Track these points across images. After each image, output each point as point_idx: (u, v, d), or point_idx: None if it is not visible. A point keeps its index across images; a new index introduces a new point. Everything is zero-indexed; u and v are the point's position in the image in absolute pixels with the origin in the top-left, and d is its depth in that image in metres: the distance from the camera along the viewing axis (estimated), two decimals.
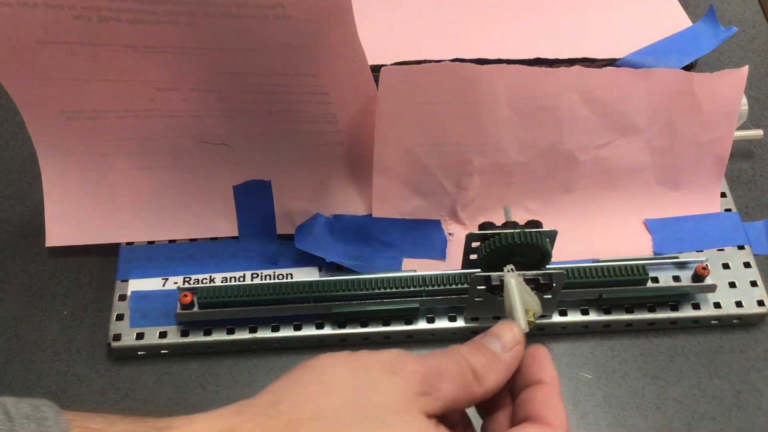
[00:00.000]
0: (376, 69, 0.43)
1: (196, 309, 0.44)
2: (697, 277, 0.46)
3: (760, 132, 0.53)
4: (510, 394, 0.33)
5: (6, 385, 0.45)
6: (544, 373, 0.32)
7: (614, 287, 0.45)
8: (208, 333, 0.45)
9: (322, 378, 0.30)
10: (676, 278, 0.46)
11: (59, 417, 0.27)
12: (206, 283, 0.48)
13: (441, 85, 0.44)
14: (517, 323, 0.35)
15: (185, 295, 0.44)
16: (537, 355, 0.33)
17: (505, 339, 0.33)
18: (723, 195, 0.51)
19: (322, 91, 0.43)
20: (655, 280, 0.46)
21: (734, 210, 0.51)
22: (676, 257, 0.47)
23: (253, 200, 0.49)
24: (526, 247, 0.42)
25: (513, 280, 0.38)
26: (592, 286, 0.45)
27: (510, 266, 0.41)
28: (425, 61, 0.43)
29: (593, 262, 0.46)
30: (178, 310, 0.44)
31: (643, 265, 0.45)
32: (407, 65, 0.43)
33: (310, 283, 0.44)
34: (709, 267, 0.45)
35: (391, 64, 0.44)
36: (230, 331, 0.45)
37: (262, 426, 0.29)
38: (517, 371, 0.33)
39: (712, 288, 0.46)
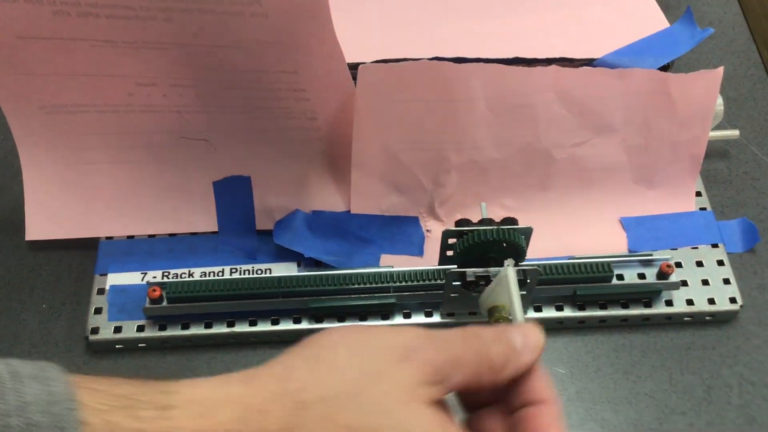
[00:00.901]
0: (354, 67, 0.44)
1: (165, 304, 0.45)
2: (662, 274, 0.46)
3: (736, 132, 0.54)
4: (497, 397, 0.33)
5: None
6: (548, 394, 0.32)
7: (587, 284, 0.46)
8: (185, 327, 0.46)
9: (334, 358, 0.30)
10: (642, 276, 0.47)
11: (64, 377, 0.27)
12: (185, 277, 0.48)
13: (419, 82, 0.44)
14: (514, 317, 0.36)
15: (154, 290, 0.44)
16: (540, 373, 0.32)
17: (530, 339, 0.32)
18: (698, 194, 0.52)
19: (300, 87, 0.44)
20: (622, 277, 0.47)
21: (709, 209, 0.51)
22: (650, 254, 0.48)
23: (233, 196, 0.49)
24: (502, 244, 0.43)
25: (512, 274, 0.38)
26: (565, 282, 0.45)
27: (510, 260, 0.41)
28: (404, 60, 0.44)
29: (568, 259, 0.46)
30: (147, 305, 0.45)
31: (608, 263, 0.45)
32: (386, 63, 0.44)
33: (280, 278, 0.45)
34: (673, 265, 0.46)
35: (370, 63, 0.45)
36: (208, 325, 0.46)
37: (269, 402, 0.28)
38: (521, 383, 0.32)
39: (676, 285, 0.46)
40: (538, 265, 0.43)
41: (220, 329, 0.46)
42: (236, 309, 0.45)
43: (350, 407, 0.29)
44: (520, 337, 0.32)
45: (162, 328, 0.46)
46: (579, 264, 0.46)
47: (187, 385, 0.29)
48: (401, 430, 0.29)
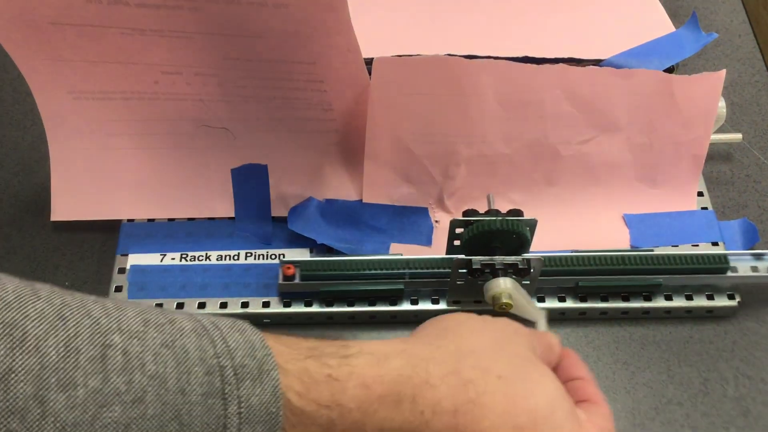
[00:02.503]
0: (370, 61, 0.45)
1: (297, 281, 0.46)
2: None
3: (738, 136, 0.55)
4: None
5: None
6: (583, 372, 0.39)
7: (590, 276, 0.47)
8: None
9: (465, 327, 0.36)
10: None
11: (256, 331, 0.31)
12: (202, 260, 0.50)
13: (431, 77, 0.46)
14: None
15: (288, 268, 0.46)
16: (573, 356, 0.40)
17: (555, 341, 0.40)
18: (700, 194, 0.53)
19: (317, 78, 0.46)
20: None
21: (711, 209, 0.53)
22: (652, 251, 0.49)
23: (250, 183, 0.51)
24: (507, 234, 0.45)
25: (543, 321, 0.43)
26: (568, 274, 0.47)
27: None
28: (417, 55, 0.46)
29: (572, 252, 0.48)
30: (281, 281, 0.46)
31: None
32: (399, 57, 0.46)
33: (408, 260, 0.47)
34: None
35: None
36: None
37: (431, 352, 0.33)
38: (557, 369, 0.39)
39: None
40: (544, 256, 0.45)
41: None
42: (371, 287, 0.47)
43: (498, 358, 0.34)
44: (553, 338, 0.40)
45: (179, 306, 0.48)
46: (582, 257, 0.47)
47: (360, 342, 0.33)
48: (543, 374, 0.34)
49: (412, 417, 0.31)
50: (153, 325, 0.28)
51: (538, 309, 0.43)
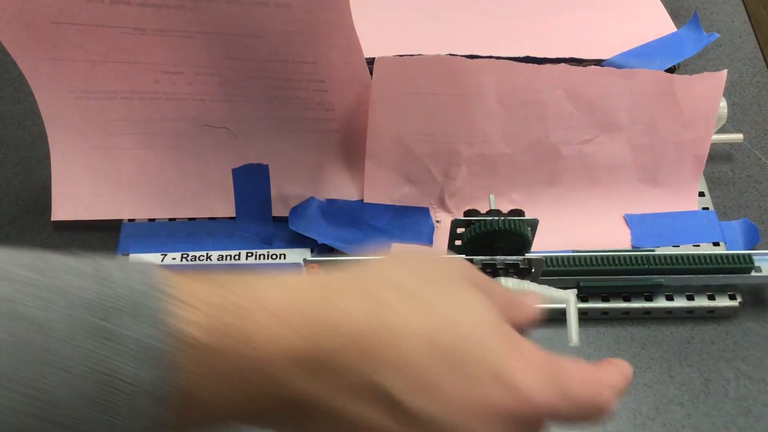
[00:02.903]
0: (371, 61, 0.45)
1: None
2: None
3: (740, 136, 0.55)
4: None
5: None
6: None
7: (591, 276, 0.47)
8: None
9: (393, 258, 0.32)
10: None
11: (156, 268, 0.27)
12: (203, 260, 0.50)
13: (432, 76, 0.46)
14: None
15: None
16: None
17: (515, 299, 0.34)
18: (701, 194, 0.53)
19: (319, 78, 0.46)
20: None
21: (712, 209, 0.53)
22: (653, 251, 0.49)
23: (251, 183, 0.51)
24: (508, 234, 0.45)
25: (573, 300, 0.41)
26: (569, 274, 0.47)
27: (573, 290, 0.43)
28: (419, 55, 0.46)
29: (573, 252, 0.48)
30: None
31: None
32: (401, 57, 0.46)
33: None
34: None
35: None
36: None
37: (348, 279, 0.29)
38: None
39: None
40: (545, 256, 0.45)
41: None
42: None
43: (426, 287, 0.30)
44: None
45: None
46: (583, 257, 0.47)
47: (267, 274, 0.29)
48: (475, 299, 0.30)
49: (320, 346, 0.27)
50: (32, 269, 0.25)
51: (562, 291, 0.42)
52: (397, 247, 0.32)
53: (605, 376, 0.31)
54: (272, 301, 0.27)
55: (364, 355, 0.27)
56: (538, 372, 0.29)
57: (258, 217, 0.51)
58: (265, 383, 0.26)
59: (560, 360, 0.30)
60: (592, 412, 0.30)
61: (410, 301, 0.29)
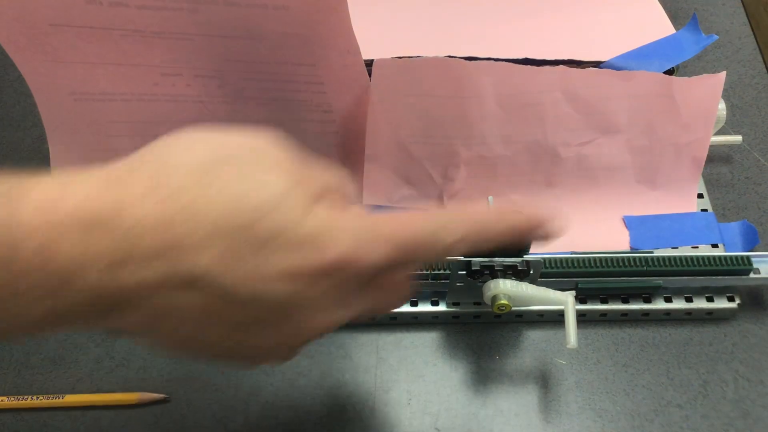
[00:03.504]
0: (369, 63, 0.46)
1: None
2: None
3: (739, 138, 0.55)
4: None
5: (6, 352, 0.47)
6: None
7: (590, 278, 0.47)
8: None
9: (179, 144, 0.30)
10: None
11: None
12: None
13: (431, 78, 0.46)
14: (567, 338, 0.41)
15: None
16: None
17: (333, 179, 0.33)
18: (700, 196, 0.53)
19: (317, 80, 0.46)
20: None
21: (711, 211, 0.53)
22: (651, 252, 0.49)
23: None
24: None
25: (571, 300, 0.42)
26: (568, 275, 0.47)
27: (572, 292, 0.44)
28: (417, 57, 0.46)
29: (571, 254, 0.48)
30: None
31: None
32: (399, 59, 0.46)
33: None
34: None
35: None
36: None
37: (128, 170, 0.29)
38: None
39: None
40: (543, 258, 0.45)
41: None
42: None
43: (215, 169, 0.28)
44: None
45: None
46: (582, 258, 0.47)
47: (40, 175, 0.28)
48: (271, 170, 0.29)
49: (110, 243, 0.26)
50: None
51: (559, 293, 0.42)
52: (184, 134, 0.31)
53: (433, 216, 0.31)
54: (41, 195, 0.26)
55: (165, 243, 0.27)
56: (346, 230, 0.29)
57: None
58: (64, 290, 0.26)
59: (378, 215, 0.30)
60: (427, 250, 0.30)
61: (202, 183, 0.28)
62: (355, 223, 0.29)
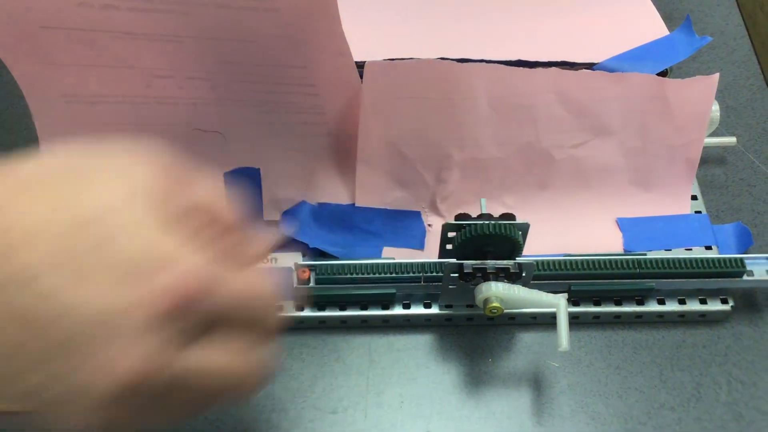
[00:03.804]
0: (361, 65, 0.45)
1: (312, 284, 0.46)
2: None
3: (733, 139, 0.55)
4: None
5: None
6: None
7: (583, 280, 0.47)
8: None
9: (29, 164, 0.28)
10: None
11: None
12: None
13: (423, 80, 0.46)
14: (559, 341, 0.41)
15: (303, 271, 0.46)
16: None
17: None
18: (694, 198, 0.53)
19: (309, 83, 0.46)
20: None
21: (704, 212, 0.53)
22: (645, 254, 0.49)
23: (243, 186, 0.51)
24: (499, 238, 0.44)
25: (563, 304, 0.42)
26: (561, 278, 0.47)
27: (564, 294, 0.44)
28: (409, 59, 0.46)
29: (564, 256, 0.48)
30: (296, 285, 0.46)
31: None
32: (391, 61, 0.46)
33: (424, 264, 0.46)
34: None
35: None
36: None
37: None
38: None
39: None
40: (536, 260, 0.45)
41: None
42: (363, 291, 0.47)
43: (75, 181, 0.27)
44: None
45: None
46: (574, 261, 0.47)
47: None
48: (114, 177, 0.28)
49: None
50: None
51: (551, 296, 0.42)
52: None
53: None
54: None
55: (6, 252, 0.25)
56: (181, 260, 0.26)
57: (249, 220, 0.51)
58: None
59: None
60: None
61: (31, 192, 0.26)
62: (198, 259, 0.27)
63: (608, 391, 0.46)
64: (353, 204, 0.51)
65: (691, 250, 0.51)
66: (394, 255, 0.50)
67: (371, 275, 0.46)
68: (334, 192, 0.51)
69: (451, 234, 0.46)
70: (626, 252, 0.50)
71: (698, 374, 0.47)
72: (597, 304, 0.48)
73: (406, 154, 0.49)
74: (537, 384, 0.46)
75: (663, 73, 0.52)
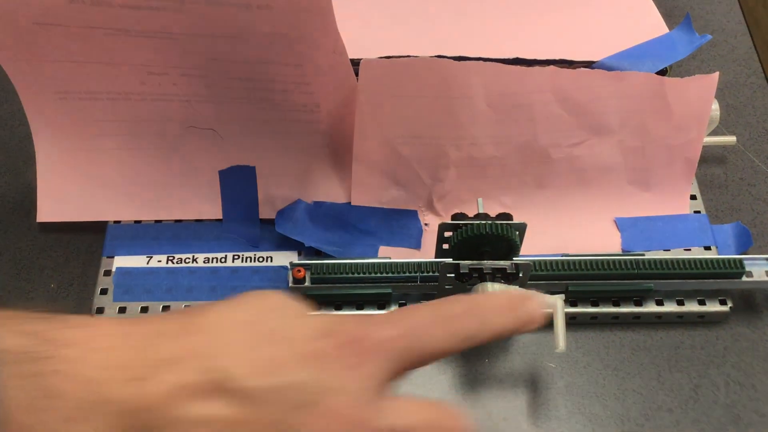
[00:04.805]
0: (357, 63, 0.45)
1: (308, 284, 0.46)
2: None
3: (733, 138, 0.54)
4: None
5: None
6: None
7: (580, 280, 0.47)
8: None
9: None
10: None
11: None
12: (188, 262, 0.49)
13: (419, 79, 0.45)
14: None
15: (299, 270, 0.45)
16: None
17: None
18: (693, 197, 0.53)
19: (304, 81, 0.45)
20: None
21: (704, 212, 0.52)
22: (643, 255, 0.49)
23: (238, 185, 0.51)
24: (495, 238, 0.44)
25: (560, 304, 0.41)
26: (558, 278, 0.46)
27: (561, 295, 0.44)
28: (406, 56, 0.45)
29: (562, 256, 0.47)
30: (291, 284, 0.46)
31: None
32: (387, 58, 0.45)
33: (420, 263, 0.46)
34: None
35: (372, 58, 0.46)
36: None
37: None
38: None
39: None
40: (533, 261, 0.44)
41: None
42: (359, 291, 0.46)
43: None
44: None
45: (165, 309, 0.47)
46: (572, 261, 0.46)
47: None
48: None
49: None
50: None
51: (548, 297, 0.41)
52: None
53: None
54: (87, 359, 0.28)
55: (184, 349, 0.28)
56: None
57: (245, 219, 0.51)
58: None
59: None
60: None
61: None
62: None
63: (606, 393, 0.46)
64: (349, 203, 0.50)
65: (689, 250, 0.50)
66: (391, 254, 0.49)
67: (367, 275, 0.46)
68: (330, 190, 0.51)
69: (447, 234, 0.45)
70: (624, 252, 0.50)
71: (696, 376, 0.46)
72: (595, 304, 0.48)
73: (403, 152, 0.49)
74: (534, 385, 0.46)
75: (662, 72, 0.52)
